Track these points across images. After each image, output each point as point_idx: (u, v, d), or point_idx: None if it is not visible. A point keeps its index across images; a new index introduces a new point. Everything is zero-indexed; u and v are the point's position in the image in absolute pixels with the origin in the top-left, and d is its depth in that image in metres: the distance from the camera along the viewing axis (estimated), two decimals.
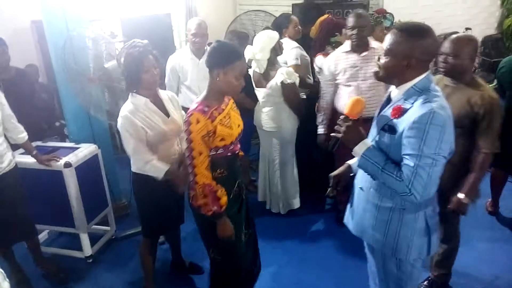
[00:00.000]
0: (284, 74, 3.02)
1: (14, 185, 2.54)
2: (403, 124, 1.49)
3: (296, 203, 3.49)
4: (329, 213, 3.56)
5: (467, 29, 6.01)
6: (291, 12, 4.53)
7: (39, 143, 3.04)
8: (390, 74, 1.57)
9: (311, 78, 3.65)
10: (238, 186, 2.11)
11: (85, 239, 2.96)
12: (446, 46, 2.14)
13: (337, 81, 2.98)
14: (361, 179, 1.76)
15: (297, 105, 3.21)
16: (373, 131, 1.68)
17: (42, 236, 3.25)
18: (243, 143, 3.82)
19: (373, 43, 2.93)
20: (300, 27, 3.66)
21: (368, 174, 1.62)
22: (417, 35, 1.49)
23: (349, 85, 2.92)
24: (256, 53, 3.05)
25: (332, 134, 1.68)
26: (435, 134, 1.43)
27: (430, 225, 1.65)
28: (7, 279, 1.55)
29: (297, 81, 3.11)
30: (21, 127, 2.62)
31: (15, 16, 4.31)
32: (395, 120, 1.53)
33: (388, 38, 1.54)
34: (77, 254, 3.02)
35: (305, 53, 3.53)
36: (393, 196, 1.61)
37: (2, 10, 4.18)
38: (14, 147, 2.68)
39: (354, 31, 2.82)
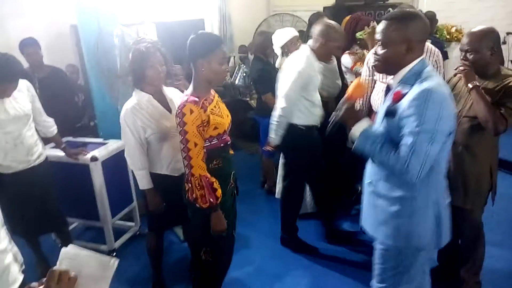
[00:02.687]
0: None
1: (44, 178, 2.63)
2: (402, 106, 1.50)
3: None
4: (356, 217, 3.44)
5: (508, 34, 5.71)
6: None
7: (69, 138, 3.15)
8: (390, 64, 1.58)
9: (339, 81, 3.57)
10: (232, 178, 2.10)
11: (109, 233, 3.02)
12: (463, 42, 2.04)
13: (374, 77, 2.91)
14: (370, 173, 1.73)
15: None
16: (377, 122, 1.68)
17: (71, 228, 3.33)
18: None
19: None
20: None
21: (366, 154, 1.61)
22: (407, 19, 1.52)
23: (384, 82, 2.83)
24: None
25: (332, 115, 1.72)
26: (433, 111, 1.43)
27: (441, 215, 1.60)
28: (22, 265, 1.56)
29: None
30: (51, 122, 2.72)
31: (56, 21, 4.54)
32: (395, 104, 1.54)
33: (381, 30, 1.56)
34: (102, 248, 3.08)
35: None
36: (401, 184, 1.57)
37: (44, 16, 4.42)
38: (46, 141, 2.79)
39: None
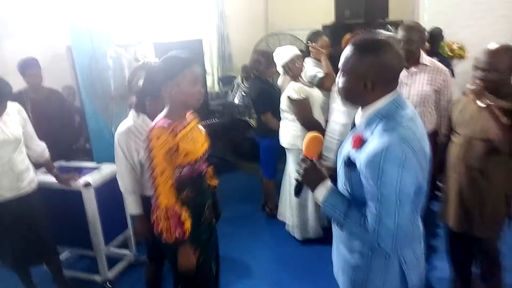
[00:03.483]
0: (293, 89, 2.98)
1: (35, 206, 2.50)
2: (360, 158, 1.26)
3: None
4: None
5: None
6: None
7: (62, 162, 3.03)
8: (350, 96, 1.35)
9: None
10: (208, 210, 1.96)
11: (102, 262, 2.87)
12: (481, 60, 1.94)
13: None
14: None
15: (308, 124, 3.02)
16: (337, 166, 1.45)
17: (63, 257, 3.18)
18: (269, 167, 3.79)
19: (425, 58, 2.71)
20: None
21: (333, 221, 1.43)
22: (370, 52, 1.25)
23: None
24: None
25: (294, 177, 1.49)
26: (392, 172, 1.19)
27: (410, 271, 1.37)
28: None
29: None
30: (43, 146, 2.61)
31: (52, 43, 4.47)
32: (354, 153, 1.30)
33: (343, 55, 1.32)
34: (95, 278, 2.93)
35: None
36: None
37: (40, 37, 4.36)
38: (37, 166, 2.67)
39: (401, 45, 2.62)
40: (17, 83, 3.89)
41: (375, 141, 1.23)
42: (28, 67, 3.26)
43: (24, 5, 4.31)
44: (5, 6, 4.17)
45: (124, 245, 3.19)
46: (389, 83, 1.29)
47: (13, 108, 2.40)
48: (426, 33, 2.92)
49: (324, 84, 3.27)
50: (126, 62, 2.86)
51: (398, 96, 1.30)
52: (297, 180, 1.46)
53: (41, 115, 3.14)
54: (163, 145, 1.70)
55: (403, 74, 2.71)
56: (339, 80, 1.34)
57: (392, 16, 5.23)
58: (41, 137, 2.64)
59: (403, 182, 1.19)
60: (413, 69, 2.69)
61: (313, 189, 1.39)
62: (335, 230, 1.51)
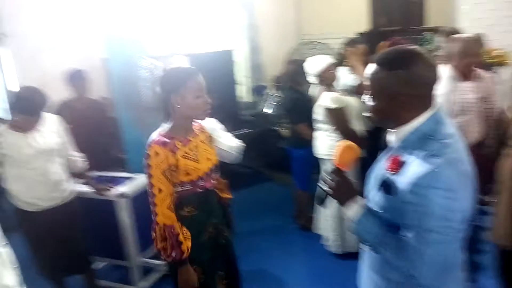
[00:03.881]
0: (329, 98, 2.91)
1: (71, 217, 2.52)
2: (402, 182, 1.15)
3: None
4: None
5: None
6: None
7: (97, 172, 3.07)
8: (384, 118, 1.24)
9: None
10: (214, 228, 1.88)
11: (136, 273, 2.86)
12: None
13: None
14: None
15: (346, 134, 2.92)
16: (371, 183, 1.34)
17: (97, 266, 3.19)
18: (302, 178, 3.69)
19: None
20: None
21: (364, 243, 1.31)
22: (396, 66, 1.15)
23: None
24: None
25: (319, 185, 1.37)
26: (438, 200, 1.07)
27: None
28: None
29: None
30: (79, 156, 2.64)
31: (89, 54, 4.59)
32: (392, 176, 1.19)
33: (370, 76, 1.22)
34: None
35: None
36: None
37: (77, 49, 4.49)
38: (73, 175, 2.70)
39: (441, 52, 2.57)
40: (56, 94, 4.01)
41: (418, 164, 1.12)
42: (80, 79, 3.43)
43: (62, 19, 4.46)
44: (44, 20, 4.32)
45: (158, 256, 3.16)
46: (425, 97, 1.18)
47: (50, 119, 2.44)
48: None
49: (361, 92, 3.18)
50: (158, 73, 2.88)
51: (437, 111, 1.19)
52: (324, 190, 1.35)
53: (82, 125, 3.26)
54: (160, 163, 1.66)
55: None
56: (371, 103, 1.25)
57: (430, 22, 5.08)
58: (80, 146, 2.68)
59: (449, 211, 1.09)
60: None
61: (343, 204, 1.30)
62: (366, 255, 1.40)
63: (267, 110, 5.28)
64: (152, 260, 3.15)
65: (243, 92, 6.18)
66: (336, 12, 5.88)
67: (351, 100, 3.06)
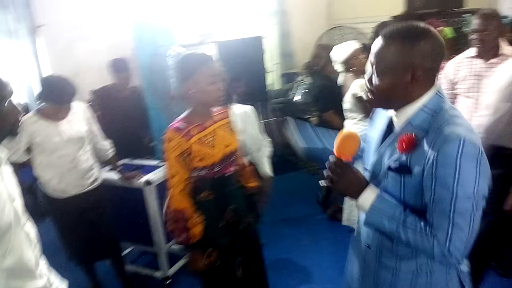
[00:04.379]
0: (357, 86, 2.80)
1: (99, 203, 2.57)
2: (420, 159, 1.10)
3: None
4: None
5: None
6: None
7: (126, 160, 3.12)
8: (389, 97, 1.17)
9: None
10: (234, 214, 1.87)
11: (163, 260, 2.90)
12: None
13: (455, 91, 2.56)
14: (367, 235, 1.33)
15: None
16: (373, 173, 1.27)
17: (126, 252, 3.26)
18: None
19: (505, 48, 2.45)
20: None
21: (381, 233, 1.22)
22: (415, 38, 1.10)
23: (468, 97, 2.48)
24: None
25: (321, 182, 1.27)
26: (470, 168, 1.04)
27: (465, 284, 1.23)
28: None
29: None
30: (107, 145, 2.68)
31: (120, 45, 4.65)
32: (405, 156, 1.13)
33: (376, 52, 1.15)
34: (156, 274, 2.96)
35: None
36: (415, 256, 1.20)
37: (109, 40, 4.56)
38: (102, 163, 2.76)
39: (475, 35, 2.42)
40: (89, 83, 4.12)
41: (440, 137, 1.07)
42: (119, 67, 3.44)
43: (94, 9, 4.53)
44: (78, 11, 4.41)
45: None
46: (435, 72, 1.16)
47: (79, 108, 2.48)
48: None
49: None
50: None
51: (439, 87, 1.18)
52: (326, 187, 1.24)
53: (119, 113, 3.35)
54: (174, 148, 1.70)
55: (481, 66, 2.44)
56: (375, 80, 1.17)
57: (469, 4, 4.78)
58: (115, 134, 2.73)
59: (480, 183, 1.05)
60: (492, 60, 2.41)
61: (355, 195, 1.20)
62: (369, 254, 1.32)
63: (297, 97, 5.19)
64: (179, 248, 3.20)
65: (273, 79, 6.11)
66: None
67: None
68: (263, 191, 2.28)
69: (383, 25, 3.45)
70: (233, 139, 1.90)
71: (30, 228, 1.36)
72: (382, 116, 1.33)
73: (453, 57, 2.63)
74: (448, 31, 2.83)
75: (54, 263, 1.49)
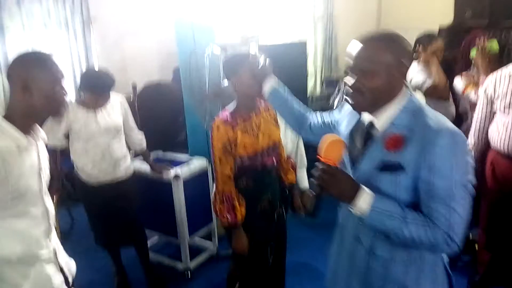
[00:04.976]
0: None
1: (129, 192, 2.68)
2: (412, 156, 1.15)
3: None
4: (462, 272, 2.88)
5: None
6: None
7: (158, 153, 3.24)
8: (380, 97, 1.22)
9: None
10: (269, 203, 2.02)
11: (185, 251, 2.99)
12: None
13: (494, 107, 2.44)
14: (356, 228, 1.33)
15: None
16: (361, 176, 1.27)
17: (151, 242, 3.36)
18: None
19: None
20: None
21: (383, 232, 1.20)
22: (392, 40, 1.22)
23: (508, 113, 2.36)
24: None
25: (309, 191, 1.26)
26: (464, 157, 1.15)
27: (448, 270, 1.33)
28: (73, 276, 1.58)
29: None
30: (141, 136, 2.80)
31: (165, 41, 4.82)
32: (393, 154, 1.18)
33: (363, 55, 1.20)
34: (178, 265, 3.06)
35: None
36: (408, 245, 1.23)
37: (156, 36, 4.75)
38: (135, 154, 2.89)
39: None
40: (134, 77, 4.30)
41: (431, 131, 1.14)
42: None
43: (142, 5, 4.72)
44: (128, 6, 4.61)
45: (208, 238, 3.27)
46: (406, 73, 1.25)
47: (116, 99, 2.61)
48: None
49: (433, 94, 2.93)
50: (218, 61, 2.93)
51: (411, 92, 1.27)
52: (316, 194, 1.21)
53: (161, 108, 3.55)
54: (221, 137, 1.86)
55: None
56: (365, 82, 1.20)
57: None
58: (154, 127, 2.84)
59: (470, 172, 1.16)
60: None
61: (349, 199, 1.19)
62: (359, 249, 1.34)
63: (336, 103, 5.12)
64: (202, 241, 3.28)
65: (314, 85, 6.07)
66: (418, 2, 5.48)
67: (417, 96, 2.84)
68: (304, 206, 2.33)
69: (427, 35, 3.30)
70: (276, 131, 2.05)
71: (48, 203, 1.47)
72: (348, 122, 1.41)
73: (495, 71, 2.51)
74: (493, 44, 2.69)
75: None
